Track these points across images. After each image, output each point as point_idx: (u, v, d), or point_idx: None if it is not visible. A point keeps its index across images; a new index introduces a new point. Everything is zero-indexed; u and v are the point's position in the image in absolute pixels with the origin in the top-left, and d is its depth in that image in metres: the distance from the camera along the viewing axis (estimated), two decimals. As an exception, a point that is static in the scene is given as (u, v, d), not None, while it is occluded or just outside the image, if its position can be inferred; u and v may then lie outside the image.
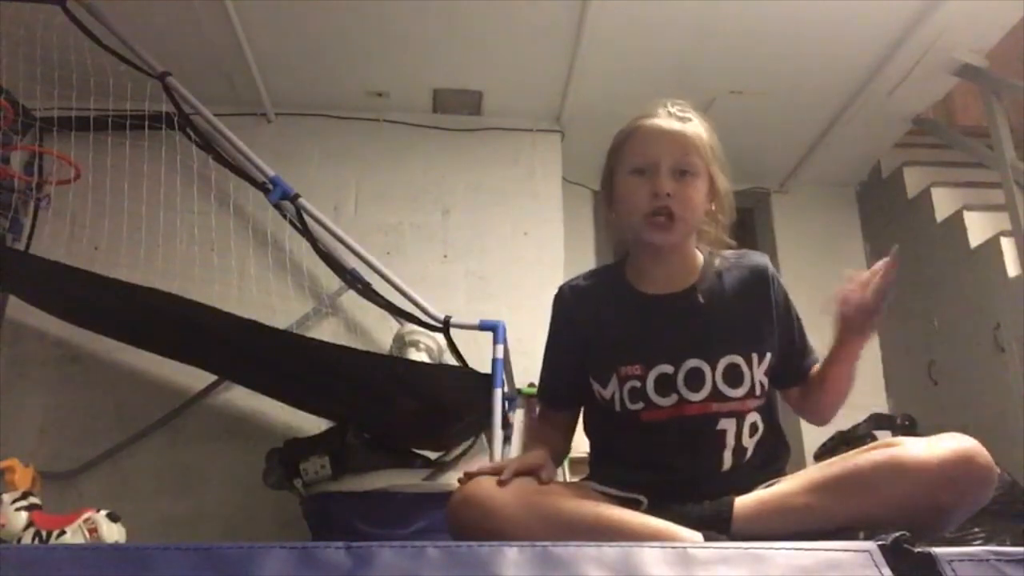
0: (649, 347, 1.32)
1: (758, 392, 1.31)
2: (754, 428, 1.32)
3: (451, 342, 2.68)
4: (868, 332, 1.27)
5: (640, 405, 1.31)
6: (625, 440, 1.35)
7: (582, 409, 1.46)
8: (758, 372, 1.31)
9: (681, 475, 1.27)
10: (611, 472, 1.33)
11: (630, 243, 1.42)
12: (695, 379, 1.29)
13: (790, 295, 1.42)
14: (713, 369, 1.29)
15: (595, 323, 1.38)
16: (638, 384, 1.31)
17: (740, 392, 1.29)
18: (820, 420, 1.43)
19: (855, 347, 1.29)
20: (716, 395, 1.29)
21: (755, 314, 1.35)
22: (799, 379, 1.40)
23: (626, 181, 1.35)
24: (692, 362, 1.29)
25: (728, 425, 1.29)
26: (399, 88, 3.35)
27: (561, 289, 1.46)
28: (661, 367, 1.30)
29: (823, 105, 3.40)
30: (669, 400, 1.29)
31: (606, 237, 3.88)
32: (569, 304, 1.43)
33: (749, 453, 1.30)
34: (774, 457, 1.34)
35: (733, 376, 1.29)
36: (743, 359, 1.30)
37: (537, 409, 1.55)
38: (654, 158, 1.32)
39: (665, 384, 1.30)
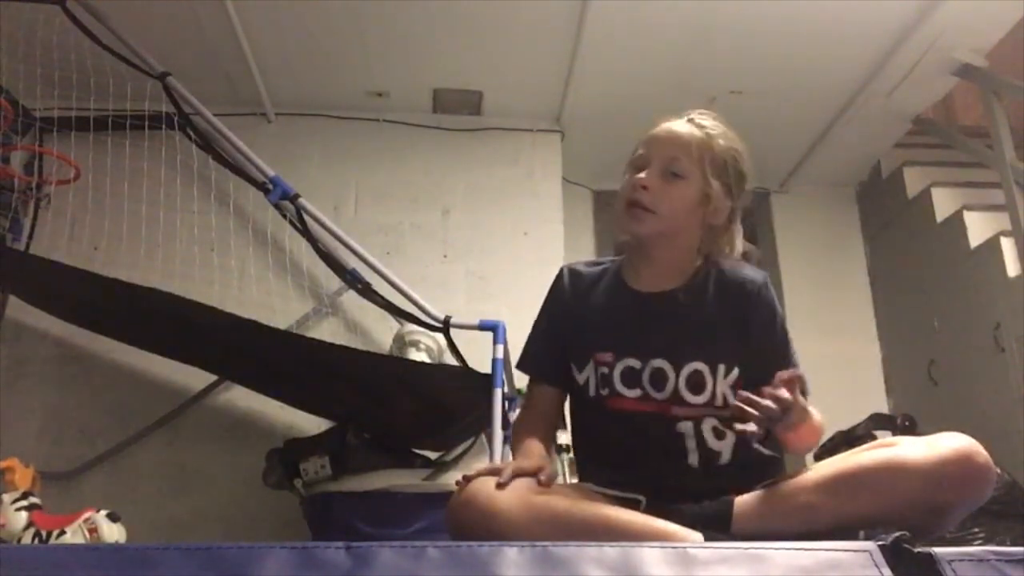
0: (621, 339, 1.36)
1: (719, 403, 1.31)
2: (718, 433, 1.30)
3: (451, 342, 2.68)
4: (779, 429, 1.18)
5: (606, 391, 1.34)
6: (598, 431, 1.38)
7: (566, 398, 1.47)
8: (722, 384, 1.32)
9: (649, 472, 1.28)
10: (602, 472, 1.35)
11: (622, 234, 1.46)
12: (658, 379, 1.32)
13: (786, 305, 1.42)
14: (677, 373, 1.31)
15: (581, 308, 1.43)
16: (607, 371, 1.34)
17: (700, 400, 1.31)
18: (791, 452, 1.34)
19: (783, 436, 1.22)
20: (676, 399, 1.31)
21: (729, 327, 1.35)
22: None
23: (626, 177, 1.40)
24: (657, 362, 1.32)
25: (685, 429, 1.30)
26: (399, 88, 3.35)
27: (562, 270, 1.51)
28: (629, 360, 1.34)
29: (823, 105, 3.40)
30: (634, 392, 1.33)
31: (606, 237, 3.89)
32: (565, 286, 1.48)
33: (724, 456, 1.30)
34: (760, 464, 1.31)
35: (695, 383, 1.31)
36: (708, 368, 1.32)
37: (522, 402, 1.55)
38: (647, 156, 1.38)
39: (631, 377, 1.33)
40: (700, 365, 1.31)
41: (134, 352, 2.88)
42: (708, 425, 1.31)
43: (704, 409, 1.31)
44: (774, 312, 1.38)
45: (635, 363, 1.33)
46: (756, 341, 1.35)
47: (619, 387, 1.33)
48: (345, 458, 2.48)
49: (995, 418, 2.92)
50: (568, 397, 1.47)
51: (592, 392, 1.36)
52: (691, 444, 1.30)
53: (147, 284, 2.43)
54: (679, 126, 1.38)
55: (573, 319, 1.43)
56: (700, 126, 1.38)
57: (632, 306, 1.40)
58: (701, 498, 1.22)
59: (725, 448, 1.30)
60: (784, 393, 1.13)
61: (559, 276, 1.50)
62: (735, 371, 1.33)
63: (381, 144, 3.44)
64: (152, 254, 3.00)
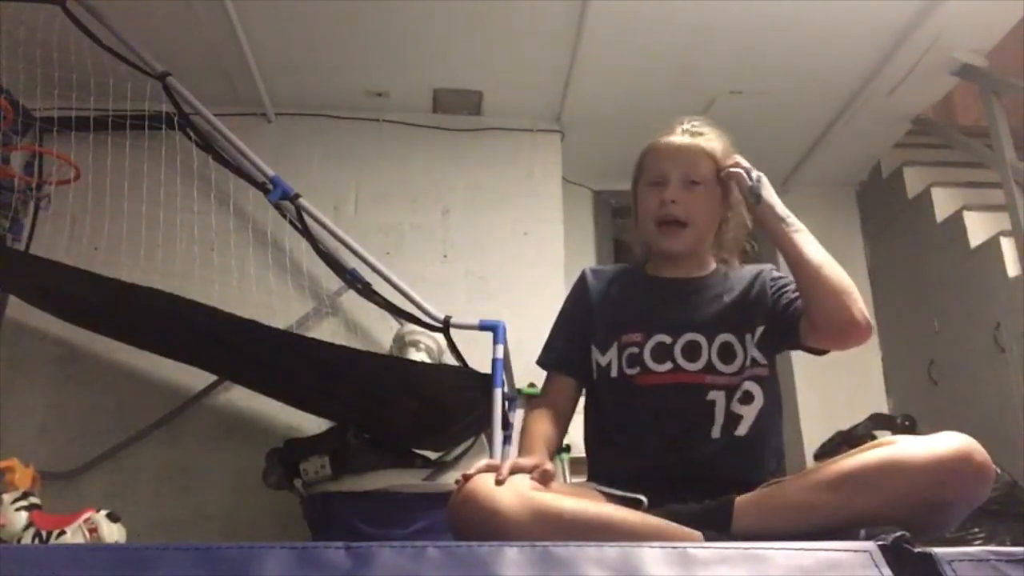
0: (651, 318, 1.44)
1: (749, 365, 1.39)
2: (748, 396, 1.38)
3: (451, 342, 2.68)
4: (748, 196, 1.41)
5: (636, 370, 1.41)
6: (620, 409, 1.42)
7: (582, 394, 1.52)
8: (751, 348, 1.40)
9: (672, 441, 1.34)
10: (607, 460, 1.42)
11: (651, 250, 1.54)
12: (692, 350, 1.40)
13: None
14: (710, 344, 1.39)
15: (607, 295, 1.52)
16: (636, 350, 1.41)
17: (732, 368, 1.40)
18: (835, 328, 1.32)
19: (767, 221, 1.40)
20: (710, 368, 1.38)
21: (752, 301, 1.45)
22: (799, 311, 1.38)
23: (643, 193, 1.50)
24: (690, 335, 1.41)
25: (717, 397, 1.37)
26: (399, 88, 3.34)
27: (584, 271, 1.60)
28: (660, 336, 1.41)
29: (823, 105, 3.40)
30: (665, 367, 1.39)
31: (606, 237, 3.89)
32: (587, 282, 1.56)
33: (744, 425, 1.35)
34: (769, 449, 1.38)
35: (726, 353, 1.40)
36: (736, 339, 1.41)
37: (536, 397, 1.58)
38: (665, 171, 1.47)
39: (662, 352, 1.40)
40: (729, 337, 1.40)
41: (134, 352, 2.88)
42: (741, 390, 1.37)
43: (736, 378, 1.38)
44: (780, 274, 1.49)
45: (666, 338, 1.41)
46: (770, 291, 1.45)
47: (649, 363, 1.39)
48: (345, 458, 2.47)
49: (995, 418, 2.92)
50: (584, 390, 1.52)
51: (615, 373, 1.42)
52: (719, 412, 1.35)
53: (147, 284, 2.43)
54: (683, 139, 1.49)
55: (599, 306, 1.51)
56: (700, 134, 1.50)
57: (660, 289, 1.50)
58: (703, 496, 1.23)
59: (748, 414, 1.36)
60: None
61: (582, 275, 1.59)
62: (760, 329, 1.42)
63: (381, 144, 3.44)
64: (152, 254, 3.00)
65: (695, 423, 1.36)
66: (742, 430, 1.36)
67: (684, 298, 1.47)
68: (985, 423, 2.91)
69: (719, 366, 1.38)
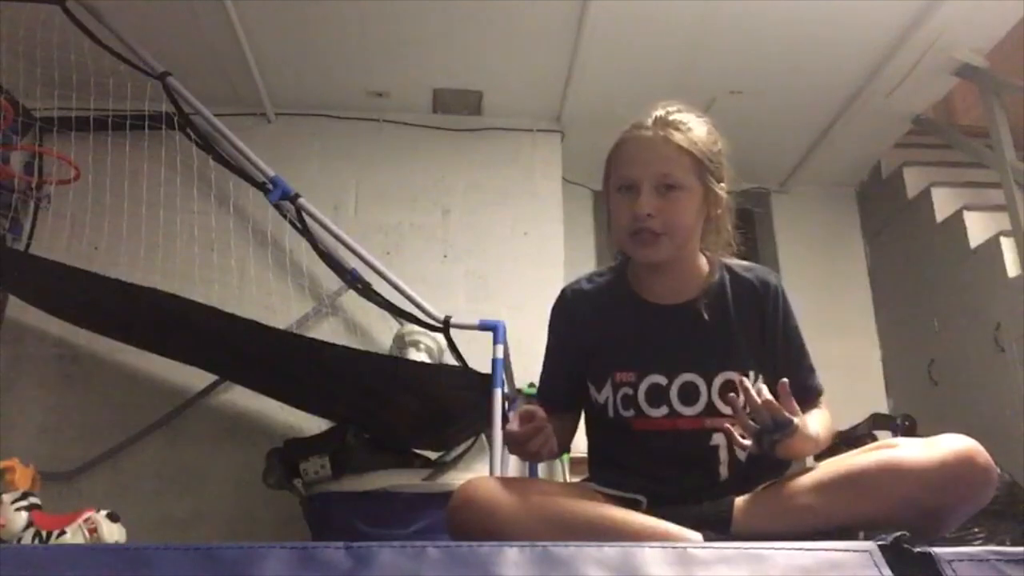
0: (644, 356, 1.31)
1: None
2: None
3: (451, 342, 2.68)
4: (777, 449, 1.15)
5: (631, 413, 1.30)
6: (621, 447, 1.34)
7: (582, 412, 1.44)
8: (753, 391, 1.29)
9: (679, 487, 1.26)
10: (609, 475, 1.33)
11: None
12: (689, 393, 1.28)
13: (794, 310, 1.38)
14: (709, 385, 1.29)
15: (595, 327, 1.37)
16: (630, 391, 1.30)
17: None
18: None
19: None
20: (710, 411, 1.28)
21: (754, 332, 1.33)
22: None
23: (614, 197, 1.33)
24: (687, 376, 1.29)
25: (720, 440, 1.27)
26: (399, 88, 3.35)
27: (563, 292, 1.44)
28: (654, 377, 1.30)
29: (823, 105, 3.40)
30: (660, 411, 1.29)
31: (606, 240, 3.89)
32: (571, 307, 1.41)
33: (744, 464, 1.28)
34: (776, 465, 1.28)
35: (728, 393, 1.26)
36: (740, 377, 1.27)
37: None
38: (636, 177, 1.29)
39: (657, 395, 1.29)
40: (732, 375, 1.27)
41: (134, 352, 2.88)
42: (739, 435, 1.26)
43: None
44: (791, 316, 1.37)
45: (661, 379, 1.29)
46: (777, 343, 1.33)
47: (644, 407, 1.29)
48: (345, 458, 2.47)
49: (995, 418, 2.91)
50: (585, 414, 1.43)
51: (611, 413, 1.32)
52: (724, 456, 1.27)
53: (147, 284, 2.43)
54: (657, 134, 1.30)
55: (588, 338, 1.37)
56: (673, 125, 1.31)
57: (653, 321, 1.34)
58: (702, 499, 1.22)
59: (745, 456, 1.28)
60: (781, 407, 1.12)
61: (562, 298, 1.43)
62: (761, 377, 1.30)
63: (381, 144, 3.44)
64: (152, 254, 3.00)
65: (700, 467, 1.27)
66: (743, 466, 1.27)
67: (679, 331, 1.32)
68: (985, 423, 2.91)
69: (720, 407, 1.26)
